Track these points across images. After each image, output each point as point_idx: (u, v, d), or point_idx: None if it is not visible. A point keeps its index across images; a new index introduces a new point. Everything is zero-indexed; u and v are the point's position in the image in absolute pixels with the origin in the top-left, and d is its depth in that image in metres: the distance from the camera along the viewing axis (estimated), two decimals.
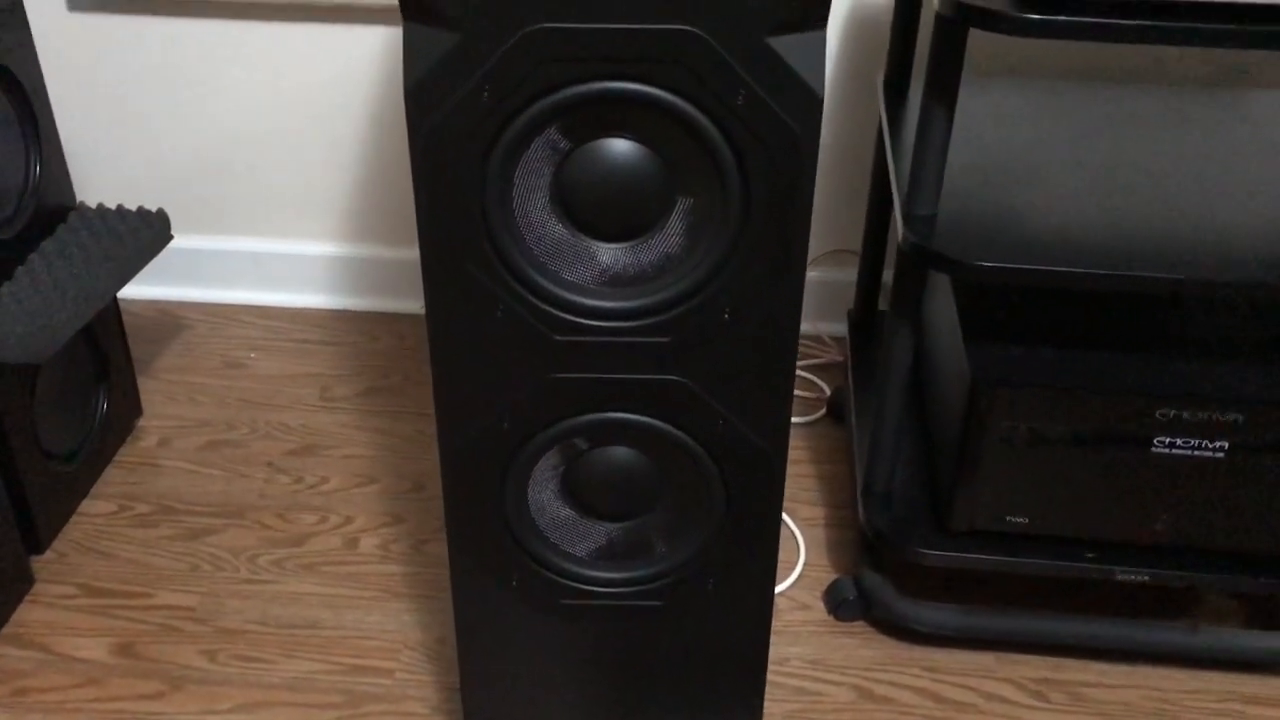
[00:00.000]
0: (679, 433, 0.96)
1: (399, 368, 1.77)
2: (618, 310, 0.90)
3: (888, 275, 1.70)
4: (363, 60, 1.72)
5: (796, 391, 1.72)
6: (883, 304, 1.64)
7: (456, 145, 0.83)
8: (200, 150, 1.81)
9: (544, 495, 1.01)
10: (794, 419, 1.65)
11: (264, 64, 1.73)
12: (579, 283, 0.90)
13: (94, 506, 1.51)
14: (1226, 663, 1.31)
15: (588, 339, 0.92)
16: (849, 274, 1.80)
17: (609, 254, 0.89)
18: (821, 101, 0.82)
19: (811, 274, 1.80)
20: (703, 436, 0.97)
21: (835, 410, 1.67)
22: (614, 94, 0.82)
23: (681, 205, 0.88)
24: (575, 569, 1.04)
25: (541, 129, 0.84)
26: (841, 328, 1.82)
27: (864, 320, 1.64)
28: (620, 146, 0.85)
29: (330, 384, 1.74)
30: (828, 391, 1.71)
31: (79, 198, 1.49)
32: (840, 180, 1.74)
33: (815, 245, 1.79)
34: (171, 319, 1.87)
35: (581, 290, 0.90)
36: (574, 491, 1.01)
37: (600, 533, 1.04)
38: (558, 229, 0.88)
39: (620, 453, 0.99)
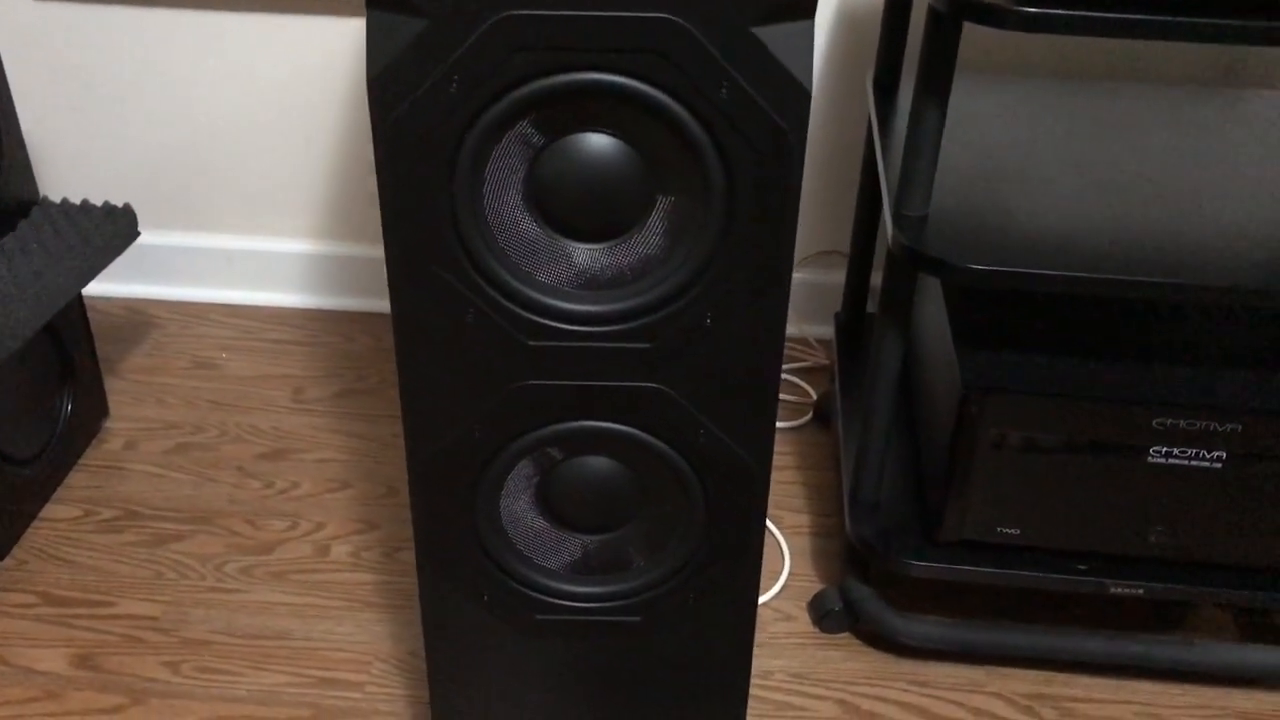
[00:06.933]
0: (658, 442, 0.92)
1: (375, 369, 1.73)
2: (594, 314, 0.86)
3: (876, 277, 1.67)
4: (339, 53, 1.68)
5: (782, 395, 1.68)
6: (871, 306, 1.61)
7: (423, 139, 0.79)
8: (170, 144, 1.77)
9: (517, 506, 0.97)
10: (779, 424, 1.62)
11: (237, 56, 1.69)
12: (554, 285, 0.86)
13: (57, 511, 1.47)
14: (1220, 677, 1.29)
15: (563, 344, 0.88)
16: (837, 275, 1.76)
17: (585, 255, 0.85)
18: (809, 95, 0.78)
19: (799, 275, 1.77)
20: (683, 446, 0.93)
21: (822, 415, 1.63)
22: (590, 86, 0.78)
23: (662, 204, 0.84)
24: (549, 583, 1.00)
25: (513, 122, 0.80)
26: (828, 330, 1.78)
27: (852, 323, 1.60)
28: (597, 142, 0.81)
29: (303, 385, 1.69)
30: (814, 396, 1.68)
31: (42, 192, 1.45)
32: (828, 179, 1.71)
33: (803, 246, 1.76)
34: (140, 317, 1.82)
35: (556, 293, 0.86)
36: (549, 502, 0.97)
37: (576, 545, 1.00)
38: (531, 228, 0.84)
39: (597, 462, 0.95)
